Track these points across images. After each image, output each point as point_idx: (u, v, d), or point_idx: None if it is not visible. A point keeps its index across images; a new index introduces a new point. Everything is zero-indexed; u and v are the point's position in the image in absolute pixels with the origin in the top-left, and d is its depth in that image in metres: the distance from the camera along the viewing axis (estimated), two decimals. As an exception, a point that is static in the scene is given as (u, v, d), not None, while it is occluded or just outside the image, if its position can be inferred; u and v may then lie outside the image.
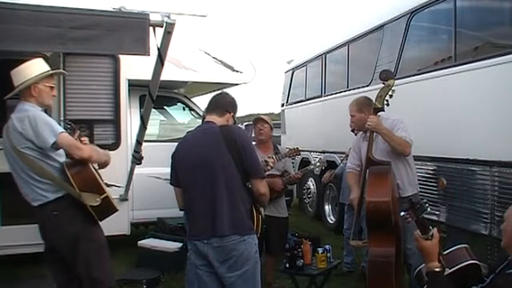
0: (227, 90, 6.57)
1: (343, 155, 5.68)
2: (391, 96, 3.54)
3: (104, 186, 3.07)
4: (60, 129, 2.98)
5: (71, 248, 3.00)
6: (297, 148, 4.63)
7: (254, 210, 2.85)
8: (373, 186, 3.26)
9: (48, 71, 3.10)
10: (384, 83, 3.56)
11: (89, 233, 3.04)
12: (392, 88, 3.52)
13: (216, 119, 2.90)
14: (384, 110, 3.60)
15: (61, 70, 3.19)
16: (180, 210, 4.33)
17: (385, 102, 3.54)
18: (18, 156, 2.95)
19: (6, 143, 3.01)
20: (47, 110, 3.22)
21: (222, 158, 2.74)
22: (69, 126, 3.15)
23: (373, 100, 3.62)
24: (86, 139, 3.16)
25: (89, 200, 2.95)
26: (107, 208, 3.08)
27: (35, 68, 3.07)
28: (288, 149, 4.72)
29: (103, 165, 3.28)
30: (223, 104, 2.97)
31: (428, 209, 2.11)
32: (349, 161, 4.12)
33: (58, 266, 3.14)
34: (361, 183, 3.57)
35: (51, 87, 3.13)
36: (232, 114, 2.97)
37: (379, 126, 3.59)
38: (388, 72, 3.77)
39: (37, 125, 2.90)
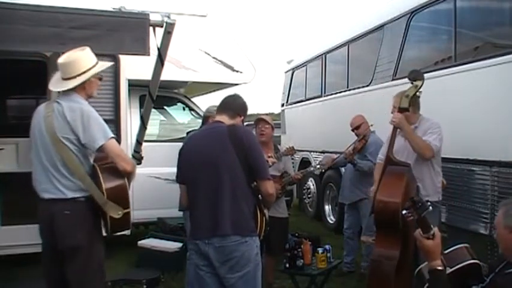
0: (227, 90, 6.59)
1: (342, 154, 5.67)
2: (418, 97, 3.52)
3: (130, 202, 2.94)
4: (111, 133, 2.88)
5: (70, 253, 2.85)
6: (292, 147, 4.63)
7: (258, 212, 2.85)
8: (386, 185, 3.23)
9: (97, 62, 2.98)
10: (412, 83, 3.52)
11: (92, 248, 2.90)
12: (420, 90, 3.49)
13: (226, 120, 2.90)
14: (409, 111, 3.57)
15: (110, 63, 3.11)
16: (180, 210, 4.34)
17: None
18: (54, 144, 2.79)
19: (42, 126, 2.84)
20: None
21: (227, 157, 2.73)
22: None
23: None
24: None
25: (111, 211, 2.81)
26: (124, 224, 2.93)
27: (89, 59, 2.94)
28: (284, 148, 4.73)
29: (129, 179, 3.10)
30: (235, 107, 2.98)
31: (430, 208, 2.11)
32: (380, 152, 4.08)
33: (53, 265, 2.99)
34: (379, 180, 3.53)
35: (100, 78, 3.06)
36: (242, 118, 2.98)
37: (403, 124, 3.56)
38: (418, 72, 3.68)
39: (89, 122, 2.79)
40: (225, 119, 2.91)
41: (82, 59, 2.91)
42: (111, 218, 2.83)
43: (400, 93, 3.86)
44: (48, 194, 2.84)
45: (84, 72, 2.90)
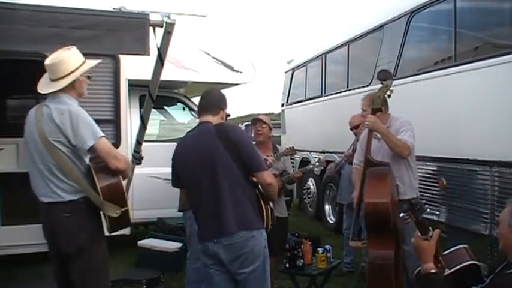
0: (227, 90, 6.59)
1: (342, 155, 5.68)
2: (389, 96, 3.54)
3: (127, 200, 2.94)
4: (101, 133, 2.83)
5: (73, 255, 2.85)
6: (293, 147, 4.63)
7: (262, 204, 2.86)
8: (372, 187, 3.22)
9: (84, 61, 2.94)
10: (382, 83, 3.57)
11: (95, 248, 2.90)
12: (391, 88, 3.53)
13: (211, 119, 2.91)
14: (381, 110, 3.62)
15: (98, 61, 3.05)
16: (179, 211, 4.35)
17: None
18: (46, 148, 2.77)
19: (34, 131, 2.82)
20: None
21: (220, 156, 2.75)
22: None
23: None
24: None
25: (109, 211, 2.82)
26: (124, 221, 2.93)
27: (76, 58, 2.89)
28: (284, 149, 4.73)
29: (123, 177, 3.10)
30: (215, 102, 2.98)
31: (428, 209, 2.11)
32: (355, 157, 4.11)
33: (58, 265, 3.00)
34: (360, 184, 3.56)
35: (88, 77, 3.02)
36: (224, 110, 2.99)
37: (377, 125, 3.59)
38: (386, 72, 3.78)
39: (78, 123, 2.76)
40: (209, 117, 2.91)
41: (69, 59, 2.87)
42: (110, 217, 2.84)
43: (369, 96, 3.93)
44: (46, 198, 2.84)
45: (72, 72, 2.86)
